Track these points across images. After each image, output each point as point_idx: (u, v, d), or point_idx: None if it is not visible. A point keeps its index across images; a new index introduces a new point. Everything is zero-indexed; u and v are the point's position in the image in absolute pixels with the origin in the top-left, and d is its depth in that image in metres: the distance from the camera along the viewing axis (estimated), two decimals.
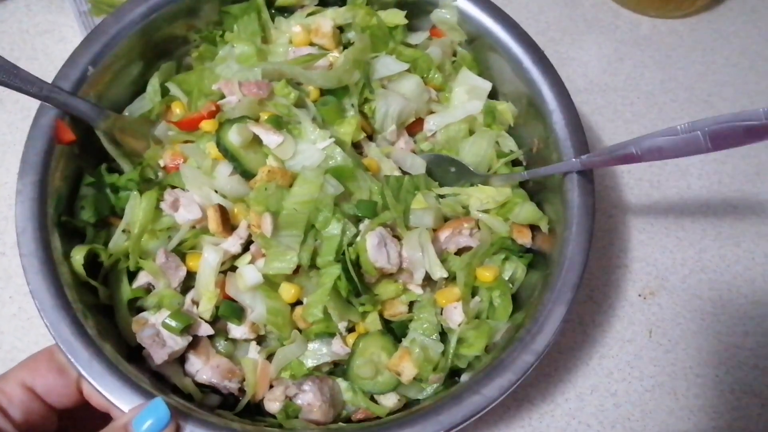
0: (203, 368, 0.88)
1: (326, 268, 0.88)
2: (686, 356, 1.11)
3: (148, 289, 0.92)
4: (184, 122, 0.99)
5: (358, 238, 0.89)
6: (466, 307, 0.91)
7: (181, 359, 0.89)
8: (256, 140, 0.93)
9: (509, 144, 1.05)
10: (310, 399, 0.86)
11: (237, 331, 0.90)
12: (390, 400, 0.90)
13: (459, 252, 0.95)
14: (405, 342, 0.90)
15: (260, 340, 0.92)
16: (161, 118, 1.02)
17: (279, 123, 0.95)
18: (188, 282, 0.91)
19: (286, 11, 1.10)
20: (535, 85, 1.00)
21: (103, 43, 0.96)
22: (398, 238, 0.91)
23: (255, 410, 0.90)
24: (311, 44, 1.06)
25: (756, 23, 1.44)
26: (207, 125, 0.95)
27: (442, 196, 1.00)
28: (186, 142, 0.98)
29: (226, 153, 0.91)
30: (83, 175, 0.94)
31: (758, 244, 1.20)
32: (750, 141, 0.73)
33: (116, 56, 0.97)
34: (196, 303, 0.89)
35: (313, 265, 0.89)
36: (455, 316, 0.91)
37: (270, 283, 0.88)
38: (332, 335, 0.90)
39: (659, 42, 1.40)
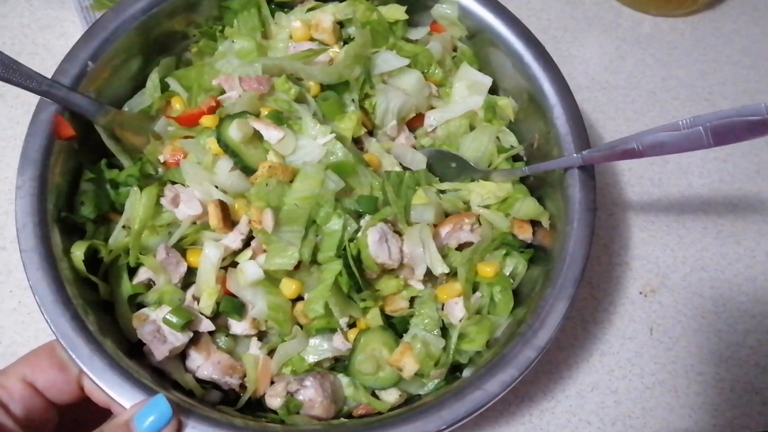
0: (204, 364, 0.88)
1: (327, 264, 0.87)
2: (687, 354, 1.11)
3: (149, 285, 0.92)
4: (184, 118, 0.98)
5: (359, 234, 0.89)
6: (467, 302, 0.91)
7: (181, 355, 0.89)
8: (257, 136, 0.93)
9: (510, 139, 1.05)
10: (311, 395, 0.86)
11: (238, 327, 0.90)
12: (391, 396, 0.90)
13: (460, 247, 0.96)
14: (406, 337, 0.90)
15: (261, 336, 0.92)
16: (161, 113, 1.01)
17: (279, 118, 0.94)
18: (189, 278, 0.91)
19: (286, 6, 1.10)
20: (536, 81, 1.00)
21: (102, 38, 0.96)
22: (399, 233, 0.92)
23: (256, 406, 0.90)
24: (311, 39, 1.06)
25: (757, 22, 1.44)
26: (207, 121, 0.95)
27: (442, 192, 1.00)
28: (186, 137, 0.97)
29: (227, 148, 0.91)
30: (83, 171, 0.94)
31: (759, 243, 1.21)
32: (752, 136, 0.74)
33: (116, 51, 0.97)
34: (196, 299, 0.89)
35: (314, 261, 0.89)
36: (456, 311, 0.91)
37: (271, 278, 0.88)
38: (333, 331, 0.90)
39: (661, 40, 1.40)
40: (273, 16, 1.09)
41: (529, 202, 0.98)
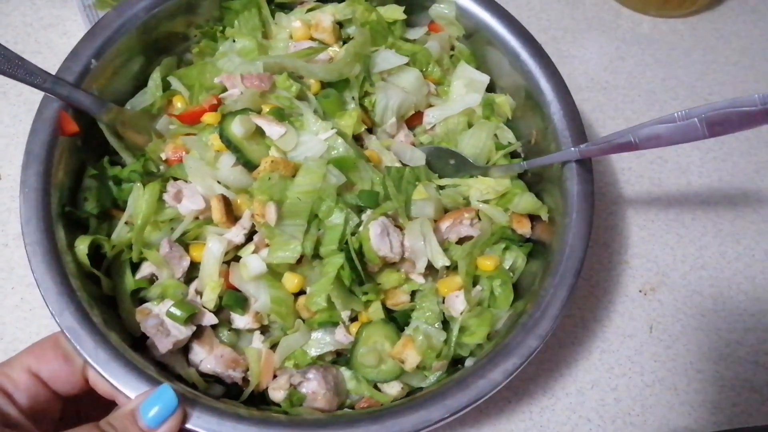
0: (207, 358, 0.89)
1: (329, 258, 0.89)
2: (687, 352, 1.12)
3: (152, 279, 0.93)
4: (186, 115, 1.00)
5: (361, 228, 0.90)
6: (467, 295, 0.93)
7: (184, 349, 0.90)
8: (259, 132, 0.94)
9: (508, 136, 1.07)
10: (314, 387, 0.87)
11: (240, 321, 0.91)
12: (393, 389, 0.91)
13: (460, 241, 0.98)
14: (408, 330, 0.92)
15: (263, 330, 0.93)
16: (162, 112, 1.03)
17: (281, 115, 0.96)
18: (192, 273, 0.92)
19: (286, 7, 1.12)
20: (532, 77, 1.02)
21: (105, 37, 0.97)
22: (400, 228, 0.93)
23: (259, 399, 0.91)
24: (311, 39, 1.08)
25: (756, 23, 1.46)
26: (209, 117, 0.97)
27: (442, 188, 1.02)
28: (188, 135, 0.99)
29: (229, 144, 0.92)
30: (86, 169, 0.95)
31: (758, 242, 1.22)
32: (746, 127, 0.76)
33: (118, 50, 0.98)
34: (199, 293, 0.90)
35: (316, 256, 0.90)
36: (457, 304, 0.93)
37: (273, 272, 0.90)
38: (335, 325, 0.91)
39: (660, 41, 1.42)
40: (273, 16, 1.10)
41: (528, 196, 1.00)
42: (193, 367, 0.89)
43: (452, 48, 1.13)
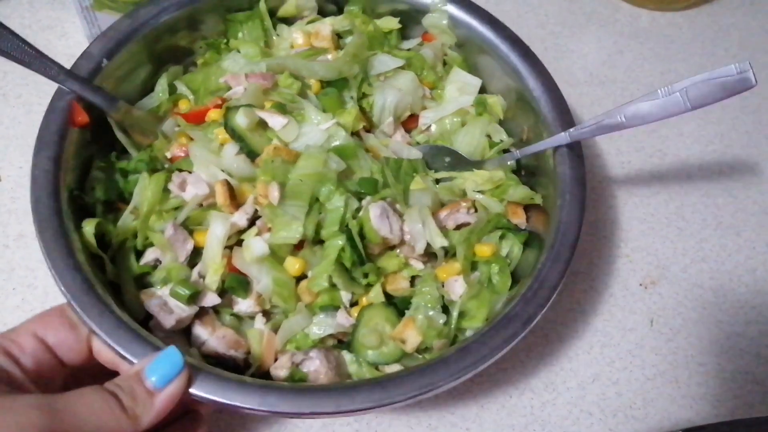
0: (209, 339, 0.92)
1: (330, 240, 0.93)
2: (688, 345, 1.13)
3: (155, 265, 0.97)
4: (192, 114, 1.05)
5: (361, 212, 0.95)
6: (466, 278, 0.97)
7: (186, 332, 0.94)
8: (262, 126, 1.00)
9: (500, 135, 1.12)
10: (316, 366, 0.90)
11: (243, 304, 0.94)
12: (395, 371, 0.92)
13: (457, 228, 1.01)
14: (409, 312, 0.95)
15: (265, 314, 0.96)
16: (168, 114, 1.08)
17: (283, 109, 1.02)
18: (195, 259, 0.96)
19: (287, 22, 1.18)
20: (522, 78, 1.07)
21: (117, 39, 1.02)
22: (399, 214, 0.97)
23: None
24: (311, 47, 1.14)
25: (755, 15, 1.48)
26: (214, 114, 1.03)
27: (438, 182, 1.07)
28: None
29: (233, 134, 0.98)
30: (94, 162, 1.00)
31: (759, 234, 1.24)
32: (726, 95, 0.82)
33: (129, 53, 1.04)
34: (202, 276, 0.94)
35: (317, 242, 0.95)
36: (456, 288, 0.96)
37: (275, 256, 0.94)
38: (337, 308, 0.95)
39: (659, 34, 1.43)
40: (275, 28, 1.16)
41: (522, 188, 1.05)
42: (195, 348, 0.92)
43: (445, 56, 1.19)
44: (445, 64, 1.18)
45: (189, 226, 0.96)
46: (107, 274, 0.93)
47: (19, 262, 1.11)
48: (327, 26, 1.12)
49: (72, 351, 0.81)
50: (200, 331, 0.92)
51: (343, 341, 0.96)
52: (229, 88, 1.07)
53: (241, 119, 0.96)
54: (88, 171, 0.98)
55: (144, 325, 0.89)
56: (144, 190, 0.96)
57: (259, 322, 0.94)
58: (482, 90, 1.14)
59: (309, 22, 1.15)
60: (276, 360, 0.93)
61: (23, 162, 1.18)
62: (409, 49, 1.17)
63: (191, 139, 1.02)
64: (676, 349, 1.11)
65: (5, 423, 0.64)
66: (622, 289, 1.17)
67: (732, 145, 1.32)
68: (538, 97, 1.04)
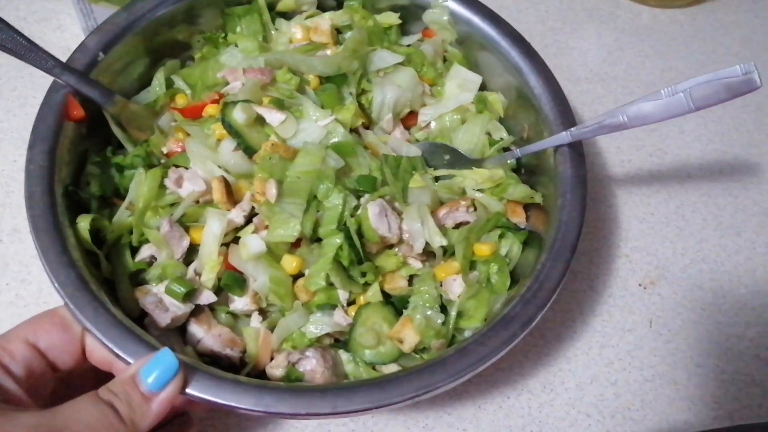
0: (205, 337, 0.92)
1: (328, 238, 0.93)
2: (687, 346, 1.13)
3: (151, 262, 0.96)
4: (189, 109, 1.05)
5: (359, 210, 0.95)
6: (465, 278, 0.97)
7: (182, 330, 0.94)
8: (259, 121, 1.00)
9: (501, 133, 1.11)
10: (313, 365, 0.90)
11: (239, 302, 0.94)
12: (392, 371, 0.92)
13: (456, 227, 1.01)
14: (406, 312, 0.95)
15: (262, 313, 0.96)
16: (165, 109, 1.08)
17: (281, 105, 1.01)
18: (191, 256, 0.96)
19: (286, 16, 1.18)
20: (522, 75, 1.06)
21: (114, 33, 1.02)
22: (398, 212, 0.97)
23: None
24: (310, 42, 1.14)
25: (757, 13, 1.48)
26: (211, 109, 1.03)
27: (437, 180, 1.07)
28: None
29: (230, 129, 0.97)
30: (89, 157, 1.00)
31: (759, 234, 1.24)
32: (730, 97, 0.82)
33: (125, 47, 1.03)
34: (198, 274, 0.94)
35: (315, 240, 0.95)
36: (455, 287, 0.96)
37: (272, 254, 0.93)
38: (334, 307, 0.95)
39: (660, 32, 1.43)
40: (274, 23, 1.16)
41: (522, 186, 1.04)
42: (191, 346, 0.92)
43: (445, 52, 1.19)
44: (445, 60, 1.18)
45: (185, 223, 0.96)
46: (102, 270, 0.92)
47: (13, 257, 1.10)
48: (326, 21, 1.12)
49: (65, 353, 0.80)
50: (196, 329, 0.92)
51: (340, 340, 0.96)
52: (227, 83, 1.06)
53: (238, 115, 0.96)
54: (83, 166, 0.98)
55: (139, 323, 0.89)
56: (140, 185, 0.96)
57: (255, 320, 0.94)
58: (482, 87, 1.14)
59: (308, 17, 1.15)
60: (272, 359, 0.93)
61: (17, 156, 1.18)
62: (409, 45, 1.18)
63: (188, 134, 1.01)
64: (675, 351, 1.11)
65: None
66: (621, 290, 1.17)
67: (733, 145, 1.32)
68: (539, 94, 1.04)
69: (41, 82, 0.92)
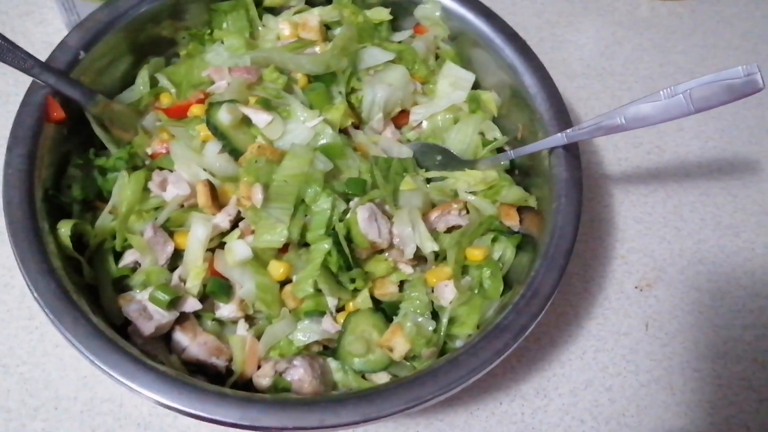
0: (190, 345, 0.91)
1: (316, 244, 0.92)
2: (683, 350, 1.12)
3: (134, 268, 0.96)
4: (173, 109, 1.04)
5: (349, 215, 0.94)
6: (457, 284, 0.96)
7: (167, 338, 0.93)
8: (245, 122, 0.99)
9: (494, 132, 1.11)
10: (300, 374, 0.89)
11: (225, 309, 0.93)
12: (381, 380, 0.93)
13: (448, 231, 1.01)
14: (397, 318, 0.94)
15: (248, 320, 0.95)
16: (149, 108, 1.07)
17: (268, 105, 1.00)
18: (175, 262, 0.95)
19: (273, 11, 1.17)
20: (517, 73, 1.06)
21: (95, 30, 1.00)
22: (388, 216, 0.96)
23: (243, 390, 0.90)
24: (298, 39, 1.12)
25: (758, 5, 1.48)
26: (196, 109, 1.02)
27: (429, 181, 1.06)
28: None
29: (216, 131, 0.96)
30: (71, 158, 0.98)
31: (758, 235, 1.24)
32: (732, 99, 0.80)
33: (107, 45, 1.02)
34: (183, 280, 0.93)
35: (302, 245, 0.94)
36: (446, 293, 0.95)
37: (259, 260, 0.93)
38: (322, 314, 0.94)
39: (658, 24, 1.42)
40: (261, 19, 1.15)
41: (516, 188, 1.04)
42: (176, 354, 0.91)
43: (437, 49, 1.18)
44: (437, 57, 1.17)
45: (169, 228, 0.95)
46: (85, 276, 0.92)
47: None
48: (315, 17, 1.11)
49: None
50: (181, 337, 0.91)
51: (329, 347, 0.95)
52: (212, 82, 1.05)
53: (223, 116, 0.95)
54: (64, 169, 0.97)
55: (123, 331, 0.89)
56: (123, 189, 0.95)
57: (242, 328, 0.93)
58: (476, 85, 1.13)
59: (296, 13, 1.14)
60: (259, 368, 0.92)
61: None
62: (400, 42, 1.17)
63: (173, 135, 1.00)
64: (671, 355, 1.11)
65: None
66: (617, 292, 1.16)
67: (732, 142, 1.32)
68: (534, 94, 1.03)
69: (24, 79, 0.90)
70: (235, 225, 0.94)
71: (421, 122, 1.11)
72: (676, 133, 1.31)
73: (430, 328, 0.93)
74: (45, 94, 0.93)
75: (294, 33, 1.10)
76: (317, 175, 0.94)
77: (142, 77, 1.06)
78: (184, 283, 0.92)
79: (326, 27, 1.13)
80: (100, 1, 1.07)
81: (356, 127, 1.07)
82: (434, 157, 1.07)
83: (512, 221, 1.02)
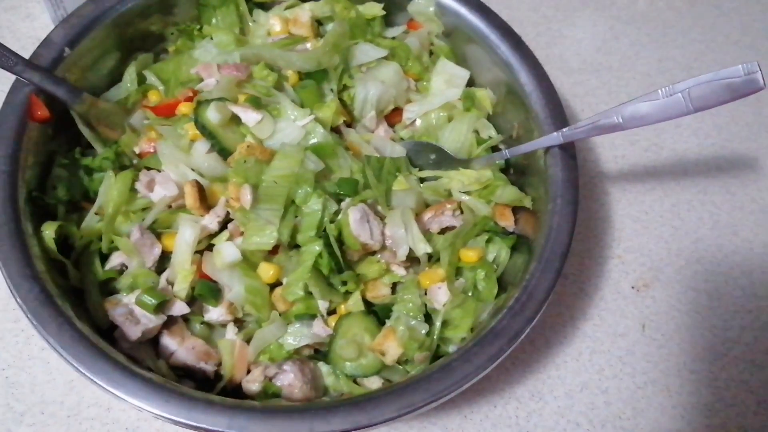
0: (178, 350, 0.91)
1: (307, 246, 0.91)
2: (680, 351, 1.12)
3: (121, 270, 0.95)
4: (161, 107, 1.03)
5: (340, 216, 0.93)
6: (450, 286, 0.95)
7: (154, 343, 0.92)
8: (235, 121, 0.98)
9: (489, 131, 1.10)
10: (290, 379, 0.88)
11: (214, 312, 0.93)
12: (374, 384, 0.92)
13: (442, 232, 1.00)
14: (389, 322, 0.93)
15: (237, 324, 0.94)
16: (137, 106, 1.06)
17: (258, 103, 0.99)
18: (163, 264, 0.94)
19: (264, 7, 1.16)
20: (512, 70, 1.04)
21: (81, 26, 0.99)
22: (380, 217, 0.95)
23: (233, 395, 0.90)
24: (289, 35, 1.11)
25: None
26: (184, 107, 1.01)
27: (422, 181, 1.05)
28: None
29: (204, 130, 0.95)
30: (56, 158, 0.97)
31: (757, 234, 1.23)
32: (731, 98, 0.79)
33: (93, 41, 1.01)
34: (171, 283, 0.92)
35: (293, 246, 0.93)
36: (440, 296, 0.95)
37: (248, 262, 0.92)
38: (313, 317, 0.93)
39: (656, 19, 1.41)
40: (251, 14, 1.14)
41: (511, 188, 1.03)
42: (164, 359, 0.90)
43: (431, 45, 1.17)
44: (431, 54, 1.16)
45: (157, 229, 0.94)
46: (70, 279, 0.91)
47: None
48: (306, 12, 1.10)
49: None
50: (168, 341, 0.91)
51: (320, 351, 0.94)
52: (201, 80, 1.04)
53: (212, 114, 0.94)
54: (49, 169, 0.96)
55: (109, 335, 0.88)
56: (109, 189, 0.94)
57: (231, 331, 0.93)
58: (470, 83, 1.12)
59: (287, 8, 1.13)
60: (248, 372, 0.91)
61: None
62: (393, 38, 1.15)
63: (161, 134, 0.99)
64: (668, 356, 1.11)
65: None
66: (613, 292, 1.15)
67: (731, 139, 1.31)
68: (529, 91, 1.02)
69: (8, 76, 0.89)
70: (223, 226, 0.94)
71: (415, 120, 1.10)
72: (674, 130, 1.31)
73: (423, 332, 0.92)
74: (28, 93, 0.92)
75: (285, 29, 1.10)
76: (308, 175, 0.93)
77: (130, 74, 1.05)
78: (172, 286, 0.92)
79: (318, 22, 1.13)
80: None
81: (348, 125, 1.06)
82: (428, 156, 1.06)
83: (507, 222, 1.01)
